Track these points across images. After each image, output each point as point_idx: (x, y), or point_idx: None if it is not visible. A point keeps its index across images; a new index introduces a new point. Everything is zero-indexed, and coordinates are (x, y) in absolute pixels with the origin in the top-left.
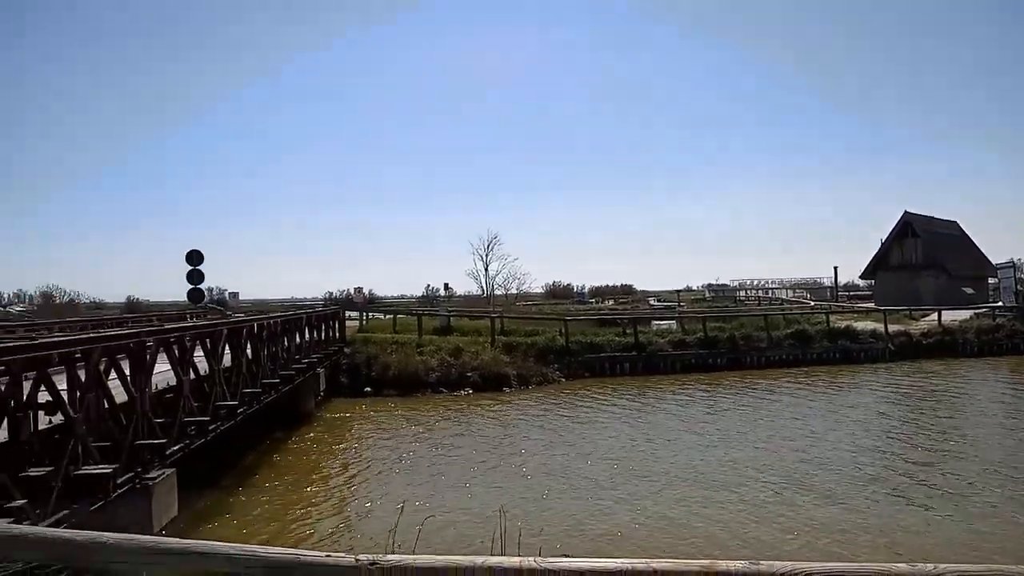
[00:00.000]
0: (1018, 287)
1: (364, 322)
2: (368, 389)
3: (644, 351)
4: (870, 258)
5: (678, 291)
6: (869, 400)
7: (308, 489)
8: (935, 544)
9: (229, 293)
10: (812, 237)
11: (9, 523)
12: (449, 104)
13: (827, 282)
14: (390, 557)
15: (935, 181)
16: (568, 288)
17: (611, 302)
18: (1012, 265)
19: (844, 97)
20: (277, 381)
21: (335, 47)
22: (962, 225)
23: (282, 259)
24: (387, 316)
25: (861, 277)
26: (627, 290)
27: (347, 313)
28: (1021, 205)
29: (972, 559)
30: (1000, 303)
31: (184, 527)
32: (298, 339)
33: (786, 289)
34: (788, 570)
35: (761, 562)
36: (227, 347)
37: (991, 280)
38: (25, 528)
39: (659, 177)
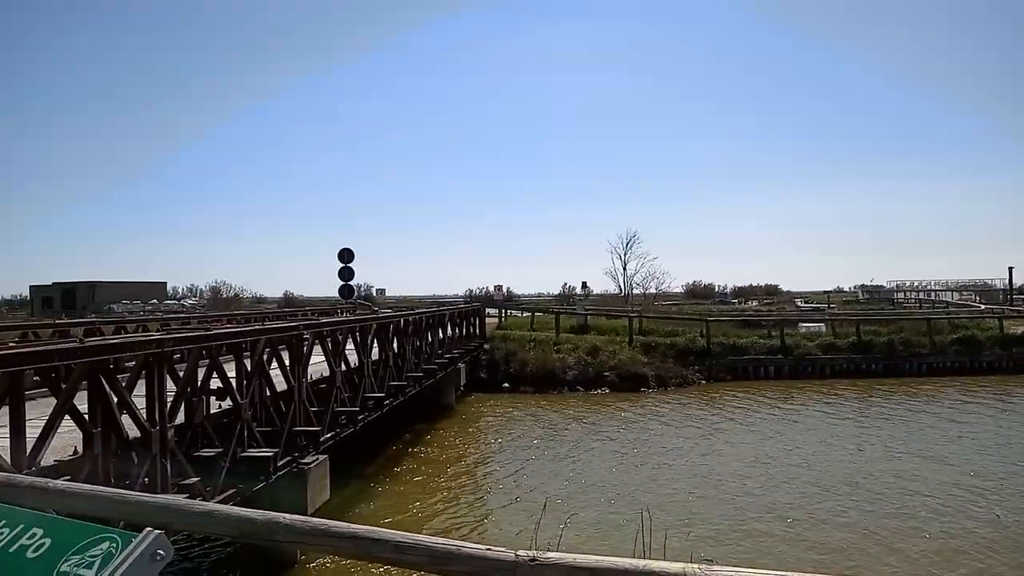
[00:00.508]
0: None
1: (503, 319)
2: (506, 385)
3: (791, 354)
4: None
5: (827, 292)
6: None
7: (448, 481)
8: None
9: (376, 289)
10: (982, 236)
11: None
12: (598, 100)
13: (1000, 284)
14: (550, 555)
15: None
16: (709, 288)
17: (755, 303)
18: None
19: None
20: (420, 375)
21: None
22: None
23: (426, 256)
24: (525, 314)
25: None
26: (772, 291)
27: (487, 310)
28: None
29: None
30: None
31: (334, 511)
32: (440, 334)
33: (951, 291)
34: None
35: None
36: (375, 341)
37: None
38: (216, 506)
39: (807, 172)
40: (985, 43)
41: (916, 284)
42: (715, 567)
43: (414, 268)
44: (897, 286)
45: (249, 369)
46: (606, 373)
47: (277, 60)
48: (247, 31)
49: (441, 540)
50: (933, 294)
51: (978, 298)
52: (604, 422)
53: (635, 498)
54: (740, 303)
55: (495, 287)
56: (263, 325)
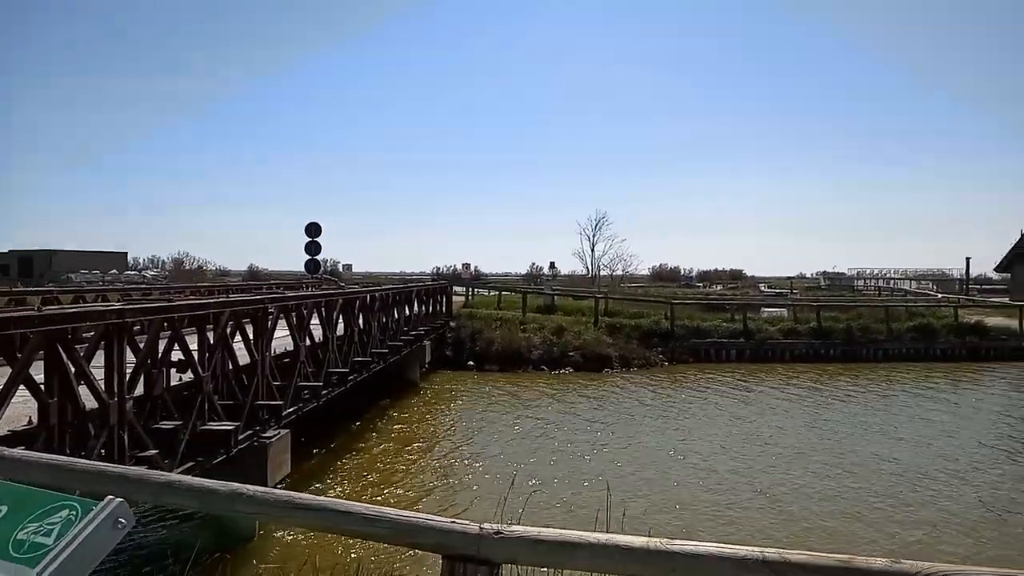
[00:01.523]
0: None
1: (470, 298)
2: (471, 363)
3: (752, 338)
4: (1007, 249)
5: (790, 278)
6: (990, 402)
7: (411, 456)
8: None
9: (343, 265)
10: (941, 227)
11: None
12: (561, 79)
13: (956, 274)
14: (515, 528)
15: None
16: (675, 271)
17: (719, 287)
18: None
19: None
20: (386, 351)
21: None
22: None
23: (394, 234)
24: (492, 293)
25: (996, 269)
26: (736, 275)
27: (454, 289)
28: None
29: None
30: None
31: (295, 486)
32: (407, 311)
33: (909, 280)
34: (931, 571)
35: (904, 561)
36: (341, 316)
37: None
38: (178, 476)
39: (773, 159)
40: (960, 27)
41: (876, 272)
42: (676, 541)
43: (381, 245)
44: (858, 273)
45: (212, 342)
46: (571, 353)
47: (251, 36)
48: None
49: (406, 513)
50: (892, 282)
51: (935, 287)
52: (568, 401)
53: (598, 474)
54: (705, 287)
55: (463, 266)
56: (227, 298)
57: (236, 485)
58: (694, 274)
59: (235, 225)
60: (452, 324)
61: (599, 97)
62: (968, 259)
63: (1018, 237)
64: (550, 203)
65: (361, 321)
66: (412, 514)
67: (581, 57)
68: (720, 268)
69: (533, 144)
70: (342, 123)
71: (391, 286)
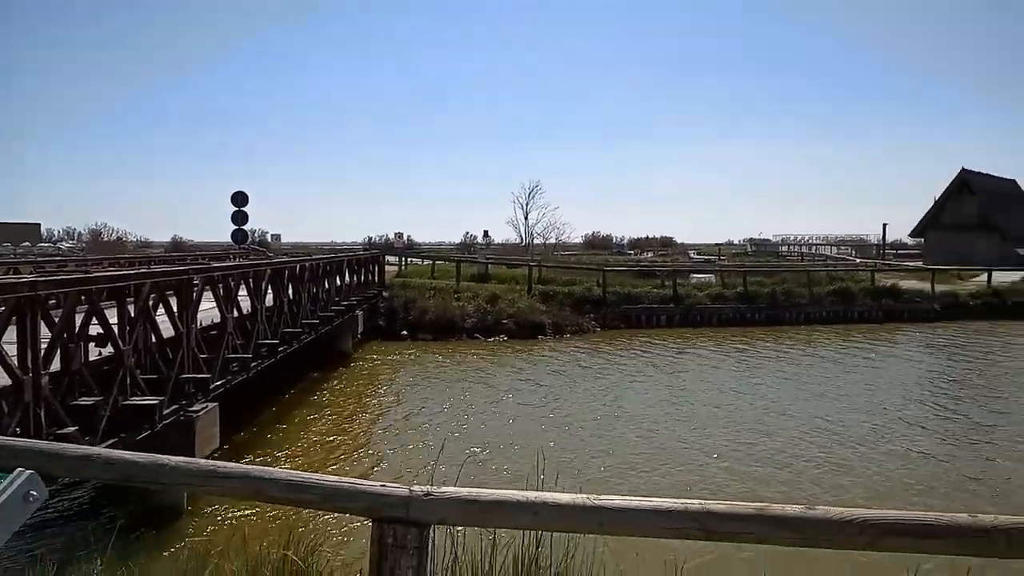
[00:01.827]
0: None
1: (403, 267)
2: (405, 332)
3: (682, 303)
4: (921, 216)
5: (719, 245)
6: (904, 360)
7: (345, 426)
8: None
9: (271, 235)
10: (861, 194)
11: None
12: (488, 44)
13: (874, 240)
14: (445, 489)
15: (992, 140)
16: (607, 239)
17: (650, 254)
18: None
19: (904, 53)
20: (317, 322)
21: None
22: (1022, 184)
23: (324, 203)
24: (425, 262)
25: (911, 235)
26: (667, 242)
27: (386, 258)
28: None
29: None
30: None
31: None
32: (338, 281)
33: (830, 246)
34: (844, 516)
35: (817, 507)
36: (269, 287)
37: None
38: (95, 449)
39: (704, 127)
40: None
41: (800, 238)
42: (603, 497)
43: (312, 215)
44: (782, 240)
45: (133, 315)
46: (505, 321)
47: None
48: None
49: (334, 478)
50: (814, 248)
51: (854, 252)
52: (502, 367)
53: (532, 439)
54: (636, 254)
55: (395, 235)
56: (149, 269)
57: (157, 456)
58: (625, 242)
59: (157, 196)
60: (385, 294)
61: (532, 68)
62: (885, 225)
63: (931, 205)
64: (484, 172)
65: (291, 292)
66: (340, 479)
67: (518, 28)
68: (651, 236)
69: (465, 112)
70: (268, 91)
71: (322, 256)
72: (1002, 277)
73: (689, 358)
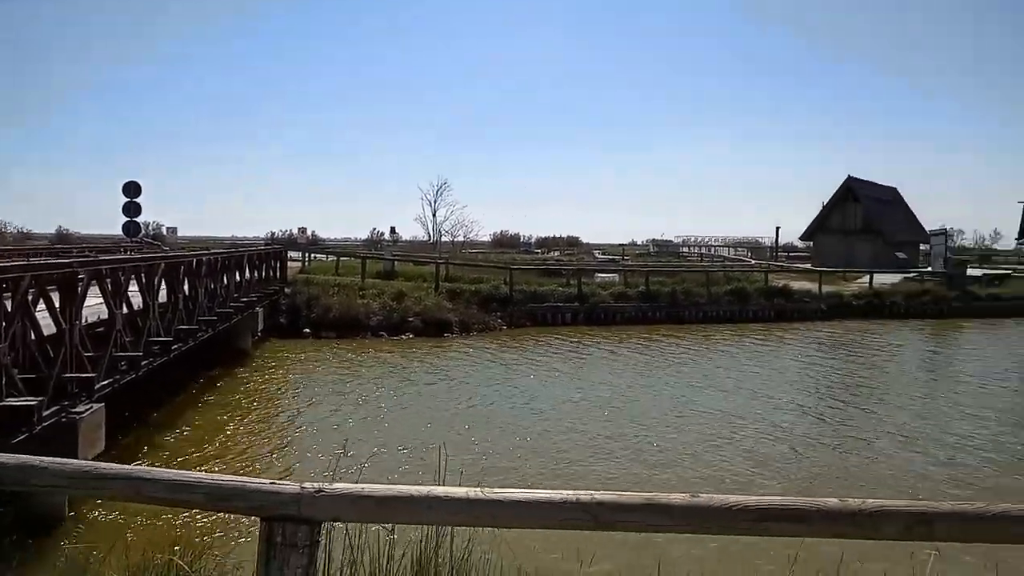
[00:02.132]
0: (948, 254)
1: (307, 263)
2: (307, 330)
3: (587, 302)
4: (811, 220)
5: (623, 245)
6: (790, 356)
7: (242, 427)
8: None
9: (166, 228)
10: (759, 198)
11: None
12: (400, 40)
13: (768, 242)
14: (337, 485)
15: (878, 148)
16: (515, 238)
17: (557, 253)
18: (944, 233)
19: (807, 62)
20: (214, 319)
21: None
22: (901, 192)
23: (224, 196)
24: (330, 258)
25: (801, 238)
26: (573, 242)
27: (289, 254)
28: (960, 175)
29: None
30: (930, 268)
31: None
32: (238, 277)
33: (728, 247)
34: (724, 504)
35: (700, 495)
36: (163, 282)
37: (923, 246)
38: None
39: (613, 131)
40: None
41: (700, 240)
42: (496, 490)
43: (211, 208)
44: (683, 241)
45: (10, 310)
46: (411, 318)
47: None
48: None
49: (220, 477)
50: (713, 249)
51: (749, 254)
52: (406, 364)
53: (438, 435)
54: (543, 253)
55: (299, 230)
56: (28, 261)
57: (27, 457)
58: (533, 241)
59: (40, 186)
60: (287, 291)
61: (442, 65)
62: (778, 229)
63: (819, 210)
64: (392, 169)
65: (187, 287)
66: (227, 478)
67: (427, 22)
68: (558, 235)
69: (374, 106)
70: (166, 80)
71: (221, 251)
72: (882, 279)
73: (594, 355)
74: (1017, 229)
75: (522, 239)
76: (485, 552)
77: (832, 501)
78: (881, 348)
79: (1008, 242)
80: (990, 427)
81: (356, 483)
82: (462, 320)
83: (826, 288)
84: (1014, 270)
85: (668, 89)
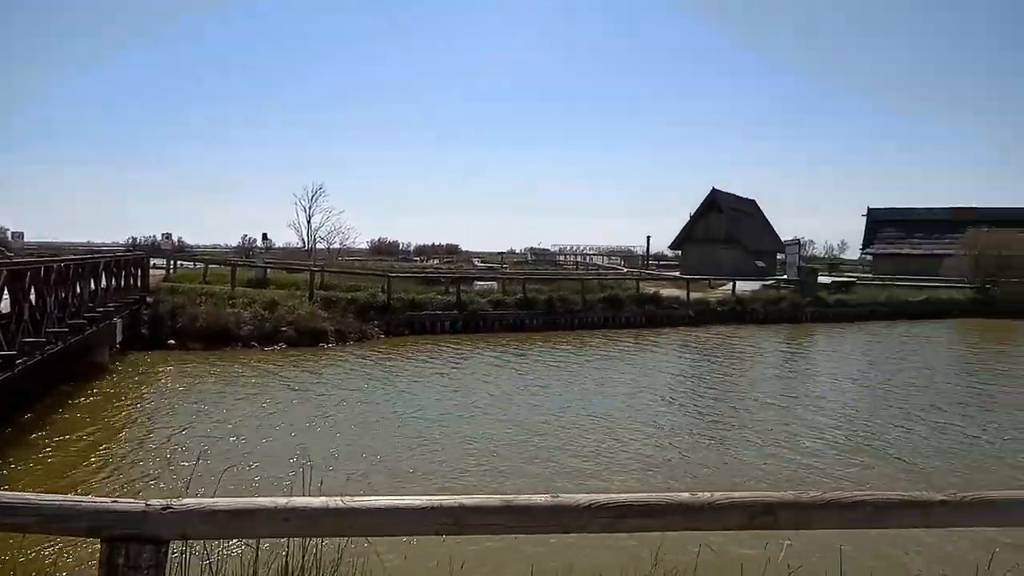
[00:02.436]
0: (801, 263)
1: (171, 271)
2: (172, 342)
3: (465, 310)
4: (679, 230)
5: (502, 253)
6: (662, 359)
7: (94, 445)
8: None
9: (12, 233)
10: (632, 208)
11: None
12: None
13: (640, 251)
14: (185, 500)
15: (742, 161)
16: (394, 245)
17: (436, 261)
18: (797, 243)
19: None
20: (66, 330)
21: None
22: (759, 204)
23: (78, 196)
24: (198, 266)
25: (670, 247)
26: (452, 250)
27: (153, 261)
28: (813, 188)
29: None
30: (786, 276)
31: None
32: (93, 285)
33: (603, 256)
34: (581, 502)
35: (560, 495)
36: (6, 291)
37: (780, 256)
38: None
39: (492, 143)
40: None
41: (576, 248)
42: (356, 498)
43: (64, 210)
44: (560, 249)
45: None
46: (284, 328)
47: None
48: None
49: (55, 496)
50: (588, 258)
51: (622, 262)
52: (276, 376)
53: (298, 448)
54: (422, 261)
55: (164, 236)
56: None
57: None
58: (412, 248)
59: None
60: (149, 300)
61: (314, 65)
62: (648, 238)
63: (687, 220)
64: (266, 171)
65: (33, 296)
66: (62, 497)
67: (303, 25)
68: (437, 243)
69: (248, 104)
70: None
71: (74, 257)
72: (744, 286)
73: (472, 362)
74: (861, 240)
75: (401, 246)
76: (356, 563)
77: (684, 495)
78: (745, 351)
79: (854, 252)
80: (841, 420)
81: (208, 497)
82: (338, 329)
83: (693, 295)
84: (859, 278)
85: (541, 102)
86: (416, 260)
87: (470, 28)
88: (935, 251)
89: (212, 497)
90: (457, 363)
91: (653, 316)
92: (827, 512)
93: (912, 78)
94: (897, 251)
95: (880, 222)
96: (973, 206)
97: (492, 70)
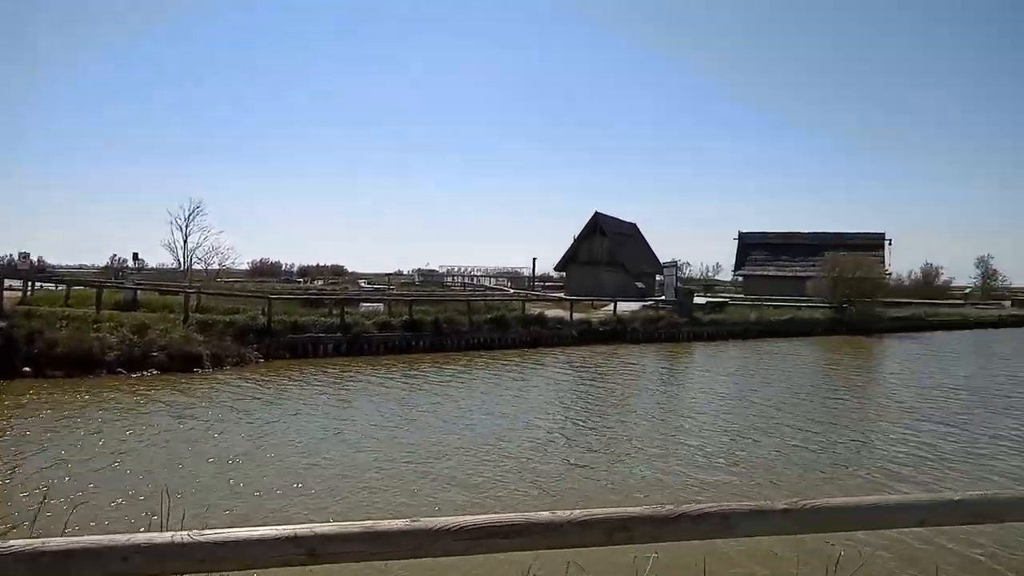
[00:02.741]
0: (678, 284)
1: (28, 293)
2: (27, 369)
3: (350, 332)
4: (564, 252)
5: (389, 275)
6: (548, 378)
7: None
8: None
9: None
10: (518, 233)
11: None
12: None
13: (527, 272)
14: (13, 543)
15: (624, 185)
16: (276, 266)
17: (320, 282)
18: (674, 265)
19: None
20: None
21: None
22: (640, 227)
23: None
24: (59, 287)
25: (555, 269)
26: (338, 271)
27: (8, 283)
28: (690, 212)
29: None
30: (663, 297)
31: None
32: None
33: (490, 277)
34: (439, 526)
35: (420, 519)
36: None
37: (658, 277)
38: None
39: (377, 163)
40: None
41: (464, 269)
42: (205, 532)
43: None
44: (448, 271)
45: None
46: (155, 353)
47: None
48: None
49: None
50: (475, 279)
51: (509, 283)
52: (143, 402)
53: (157, 481)
54: (306, 282)
55: (20, 255)
56: None
57: None
58: (296, 269)
59: None
60: (2, 324)
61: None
62: (535, 260)
63: (571, 242)
64: (139, 188)
65: None
66: None
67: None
68: (322, 264)
69: (114, 118)
70: None
71: None
72: (625, 307)
73: (356, 385)
74: (733, 262)
75: (284, 267)
76: None
77: (544, 514)
78: (626, 369)
79: (727, 274)
80: (714, 432)
81: (38, 538)
82: (214, 353)
83: (577, 315)
84: (731, 299)
85: (429, 126)
86: (300, 281)
87: (336, 44)
88: (799, 273)
89: (44, 537)
90: (340, 386)
91: (538, 336)
92: (679, 525)
93: (784, 112)
94: (765, 273)
95: (750, 245)
96: (833, 231)
97: (380, 94)
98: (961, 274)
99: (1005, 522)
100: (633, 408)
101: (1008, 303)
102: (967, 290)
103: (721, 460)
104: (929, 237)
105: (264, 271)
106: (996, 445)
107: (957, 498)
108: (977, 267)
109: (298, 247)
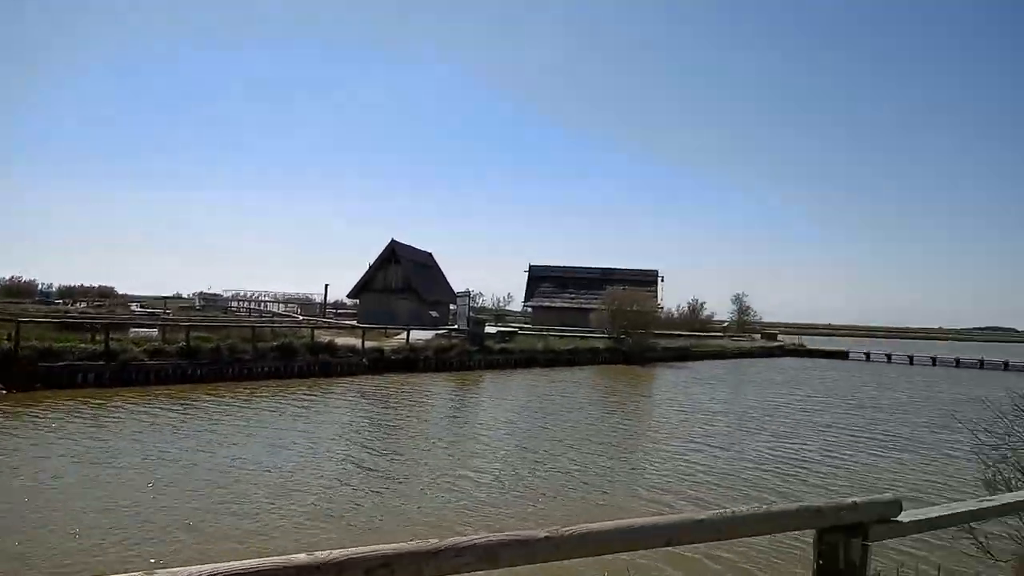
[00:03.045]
0: (470, 313)
1: None
2: None
3: (116, 359)
4: (359, 279)
5: (166, 298)
6: (335, 409)
7: None
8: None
9: None
10: (312, 258)
11: None
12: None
13: (319, 299)
14: None
15: (418, 214)
16: (30, 285)
17: (84, 304)
18: (468, 294)
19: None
20: None
21: None
22: (435, 257)
23: None
24: None
25: (348, 296)
26: (106, 293)
27: None
28: (481, 242)
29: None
30: (457, 326)
31: None
32: None
33: (280, 303)
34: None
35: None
36: None
37: (452, 306)
38: None
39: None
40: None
41: (251, 294)
42: None
43: None
44: (234, 295)
45: None
46: None
47: None
48: None
49: None
50: (264, 304)
51: (299, 310)
52: None
53: None
54: (67, 304)
55: None
56: None
57: None
58: (55, 289)
59: None
60: None
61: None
62: (327, 286)
63: (366, 270)
64: None
65: None
66: None
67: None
68: (88, 284)
69: None
70: None
71: None
72: (418, 335)
73: (118, 420)
74: (524, 293)
75: (40, 287)
76: None
77: (301, 557)
78: (417, 398)
79: (518, 304)
80: (496, 460)
81: None
82: None
83: (369, 343)
84: (520, 328)
85: (222, 152)
86: (59, 303)
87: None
88: (584, 305)
89: None
90: (98, 421)
91: (328, 365)
92: (441, 559)
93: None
94: (552, 304)
95: (539, 278)
96: (614, 267)
97: (164, 118)
98: (721, 310)
99: (742, 537)
100: (421, 435)
101: (758, 336)
102: (725, 324)
103: (503, 488)
104: (695, 275)
105: (17, 291)
106: (746, 461)
107: (700, 517)
108: (733, 303)
109: (58, 265)
